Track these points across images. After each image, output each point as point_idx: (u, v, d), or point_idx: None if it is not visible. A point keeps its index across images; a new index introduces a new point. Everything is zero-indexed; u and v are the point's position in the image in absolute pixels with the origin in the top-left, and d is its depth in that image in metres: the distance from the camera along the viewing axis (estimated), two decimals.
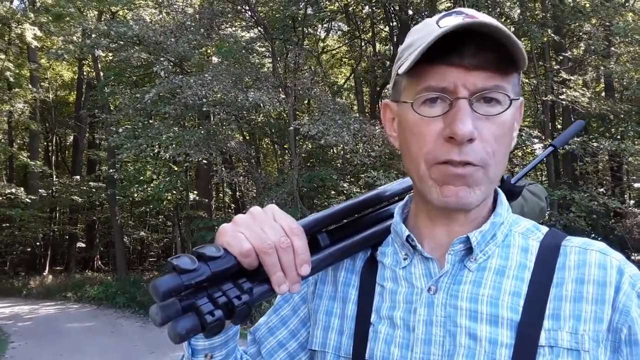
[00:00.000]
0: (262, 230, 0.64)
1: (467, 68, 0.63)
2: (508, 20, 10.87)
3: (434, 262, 0.71)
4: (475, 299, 0.67)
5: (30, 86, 17.76)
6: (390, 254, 0.76)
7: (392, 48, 14.03)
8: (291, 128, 9.60)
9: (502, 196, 0.75)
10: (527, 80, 10.89)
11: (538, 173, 13.73)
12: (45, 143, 22.57)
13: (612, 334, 0.64)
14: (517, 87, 0.69)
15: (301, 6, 10.99)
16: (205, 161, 11.35)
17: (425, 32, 0.66)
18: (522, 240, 0.72)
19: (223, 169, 11.96)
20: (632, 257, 9.87)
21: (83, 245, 21.22)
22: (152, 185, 14.79)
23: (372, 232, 0.79)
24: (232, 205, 18.89)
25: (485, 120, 0.65)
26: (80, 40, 15.09)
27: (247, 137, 13.98)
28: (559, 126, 13.53)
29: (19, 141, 21.43)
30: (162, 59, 10.93)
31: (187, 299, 0.60)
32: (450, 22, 0.64)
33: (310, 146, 12.45)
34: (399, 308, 0.71)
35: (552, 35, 9.81)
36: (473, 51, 0.63)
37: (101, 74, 15.86)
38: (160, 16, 12.61)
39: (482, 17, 0.64)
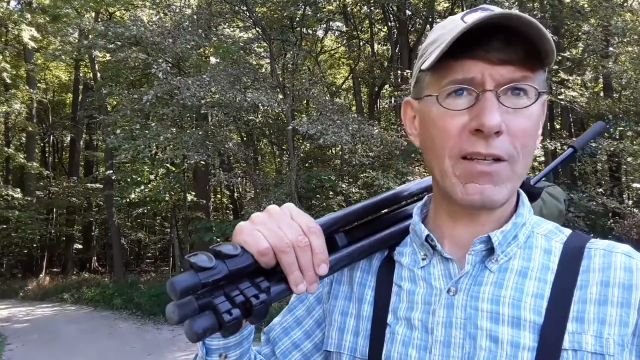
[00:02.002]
0: (279, 229, 0.63)
1: (493, 62, 0.63)
2: None
3: (454, 262, 0.70)
4: (497, 301, 0.66)
5: (27, 87, 17.70)
6: (408, 253, 0.75)
7: (390, 48, 14.02)
8: (289, 127, 9.56)
9: (524, 197, 0.74)
10: None
11: (536, 173, 13.74)
12: (42, 144, 22.50)
13: (638, 339, 0.63)
14: (544, 83, 0.68)
15: (299, 6, 10.96)
16: (203, 162, 11.31)
17: (450, 27, 0.66)
18: (545, 242, 0.70)
19: (221, 170, 11.92)
20: None
21: (80, 246, 21.16)
22: (150, 186, 14.75)
23: (390, 232, 0.78)
24: (230, 206, 18.85)
25: (513, 113, 0.64)
26: (77, 40, 15.07)
27: (245, 138, 13.95)
28: (558, 126, 13.54)
29: (15, 142, 21.35)
30: (159, 59, 10.90)
31: (203, 297, 0.59)
32: (476, 17, 0.63)
33: (308, 146, 12.43)
34: (417, 309, 0.70)
35: (551, 35, 9.80)
36: (500, 45, 0.63)
37: (98, 74, 15.81)
38: (158, 17, 12.58)
39: (511, 12, 0.63)
